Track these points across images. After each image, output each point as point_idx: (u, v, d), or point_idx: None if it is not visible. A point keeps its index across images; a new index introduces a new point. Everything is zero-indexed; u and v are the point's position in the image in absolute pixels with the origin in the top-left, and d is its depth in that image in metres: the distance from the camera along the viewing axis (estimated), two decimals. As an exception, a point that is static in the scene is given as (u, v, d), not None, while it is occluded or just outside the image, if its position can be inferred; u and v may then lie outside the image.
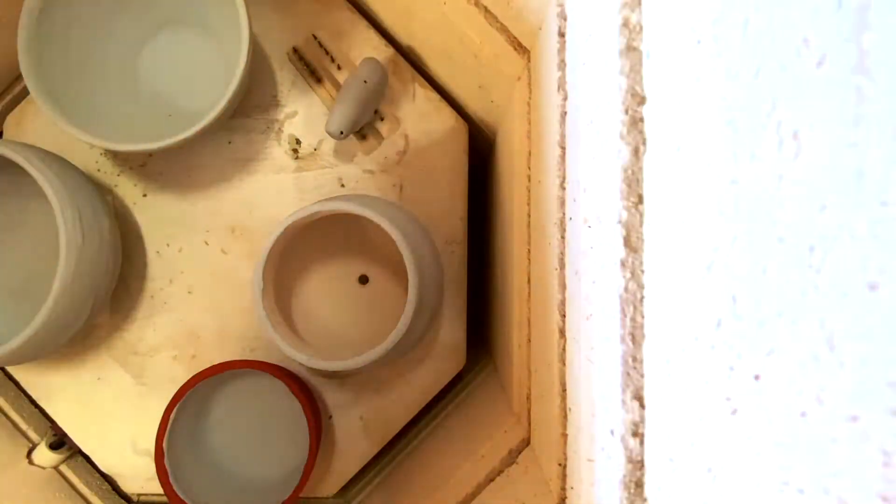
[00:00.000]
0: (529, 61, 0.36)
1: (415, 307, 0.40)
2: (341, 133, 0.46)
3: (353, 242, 0.50)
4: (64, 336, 0.46)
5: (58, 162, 0.44)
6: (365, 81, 0.47)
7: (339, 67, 0.51)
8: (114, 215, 0.49)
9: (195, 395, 0.48)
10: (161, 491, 0.52)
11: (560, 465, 0.29)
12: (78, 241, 0.42)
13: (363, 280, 0.50)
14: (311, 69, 0.51)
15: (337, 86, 0.50)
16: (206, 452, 0.50)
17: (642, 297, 0.19)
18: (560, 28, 0.28)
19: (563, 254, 0.29)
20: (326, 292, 0.50)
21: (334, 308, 0.50)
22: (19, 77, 0.53)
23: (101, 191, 0.48)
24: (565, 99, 0.28)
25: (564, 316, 0.29)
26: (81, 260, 0.43)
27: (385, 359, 0.41)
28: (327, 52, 0.51)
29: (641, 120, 0.19)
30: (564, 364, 0.29)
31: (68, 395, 0.53)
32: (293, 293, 0.49)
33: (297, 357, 0.41)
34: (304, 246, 0.48)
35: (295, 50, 0.51)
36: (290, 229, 0.42)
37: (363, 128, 0.51)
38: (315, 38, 0.51)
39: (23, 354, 0.43)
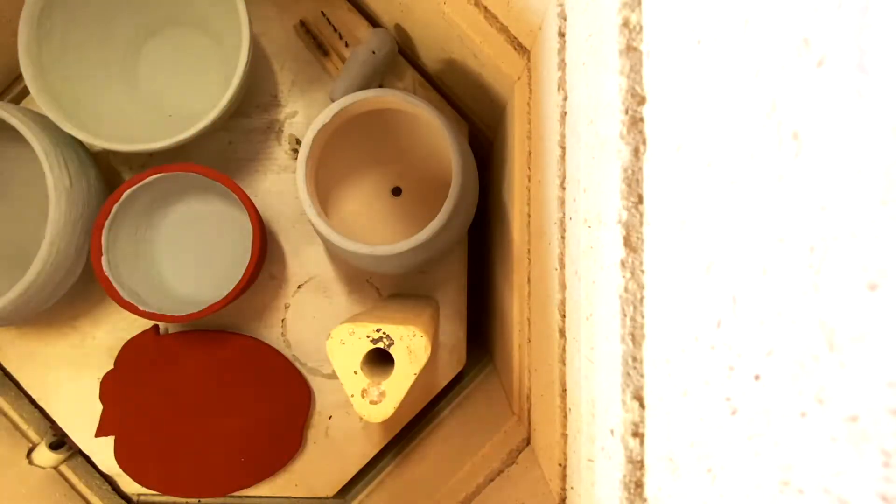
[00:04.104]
0: (529, 61, 0.36)
1: (458, 192, 0.40)
2: None
3: (387, 153, 0.50)
4: (65, 283, 0.46)
5: (41, 118, 0.45)
6: (374, 52, 0.47)
7: (346, 45, 0.51)
8: (99, 169, 0.49)
9: (141, 209, 0.48)
10: (161, 492, 0.52)
11: (560, 465, 0.29)
12: (66, 184, 0.43)
13: (396, 192, 0.50)
14: (319, 42, 0.51)
15: (344, 60, 0.50)
16: (151, 267, 0.50)
17: (642, 297, 0.19)
18: (560, 28, 0.28)
19: (563, 254, 0.29)
20: (361, 203, 0.50)
21: (369, 219, 0.50)
22: (19, 77, 0.53)
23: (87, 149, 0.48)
24: (565, 99, 0.28)
25: (564, 316, 0.29)
26: (72, 203, 0.43)
27: (423, 250, 0.41)
28: (335, 29, 0.51)
29: (641, 120, 0.19)
30: (564, 364, 0.29)
31: (68, 395, 0.53)
32: (329, 203, 0.49)
33: (343, 244, 0.41)
34: (338, 155, 0.48)
35: (302, 23, 0.51)
36: (335, 119, 0.41)
37: (363, 128, 0.51)
38: (324, 14, 0.51)
39: (28, 299, 0.43)
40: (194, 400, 0.51)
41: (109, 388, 0.51)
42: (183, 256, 0.51)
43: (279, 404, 0.51)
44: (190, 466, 0.51)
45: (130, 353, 0.51)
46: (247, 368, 0.51)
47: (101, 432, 0.50)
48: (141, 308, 0.44)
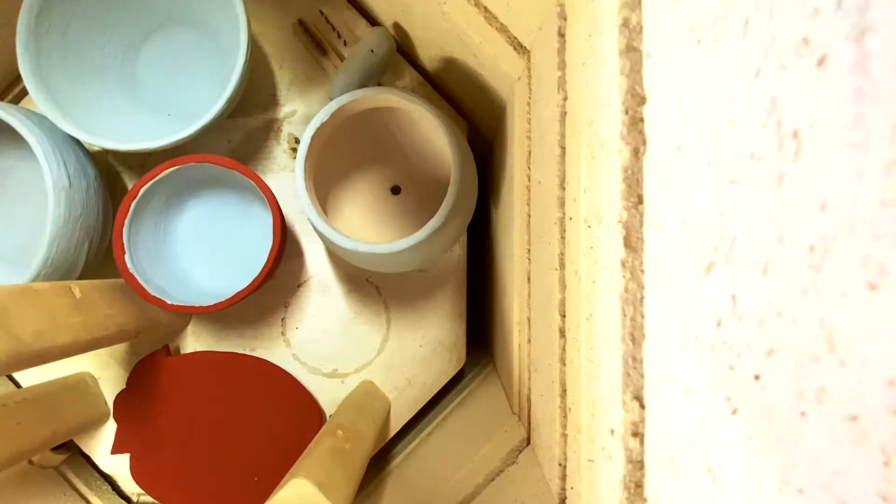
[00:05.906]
0: (529, 61, 0.36)
1: (457, 190, 0.40)
2: None
3: (386, 152, 0.50)
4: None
5: (40, 117, 0.45)
6: (372, 51, 0.47)
7: (345, 43, 0.51)
8: (98, 169, 0.49)
9: (159, 204, 0.47)
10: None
11: (560, 465, 0.29)
12: (64, 184, 0.43)
13: (395, 191, 0.50)
14: (317, 41, 0.51)
15: (342, 59, 0.50)
16: (173, 262, 0.50)
17: (642, 297, 0.19)
18: (560, 28, 0.28)
19: (563, 254, 0.29)
20: (360, 201, 0.50)
21: (368, 217, 0.50)
22: (19, 77, 0.53)
23: (85, 149, 0.48)
24: (565, 99, 0.28)
25: (564, 316, 0.29)
26: (71, 203, 0.43)
27: (422, 248, 0.41)
28: (334, 28, 0.51)
29: (641, 120, 0.19)
30: (564, 364, 0.29)
31: (68, 395, 0.53)
32: (328, 202, 0.49)
33: (342, 242, 0.41)
34: (337, 154, 0.48)
35: (301, 22, 0.51)
36: (334, 117, 0.41)
37: (363, 127, 0.51)
38: (322, 13, 0.51)
39: None
40: (207, 421, 0.51)
41: (122, 407, 0.52)
42: (203, 250, 0.51)
43: (290, 425, 0.51)
44: (206, 485, 0.52)
45: (142, 374, 0.51)
46: (258, 389, 0.52)
47: (116, 450, 0.51)
48: (168, 302, 0.44)
